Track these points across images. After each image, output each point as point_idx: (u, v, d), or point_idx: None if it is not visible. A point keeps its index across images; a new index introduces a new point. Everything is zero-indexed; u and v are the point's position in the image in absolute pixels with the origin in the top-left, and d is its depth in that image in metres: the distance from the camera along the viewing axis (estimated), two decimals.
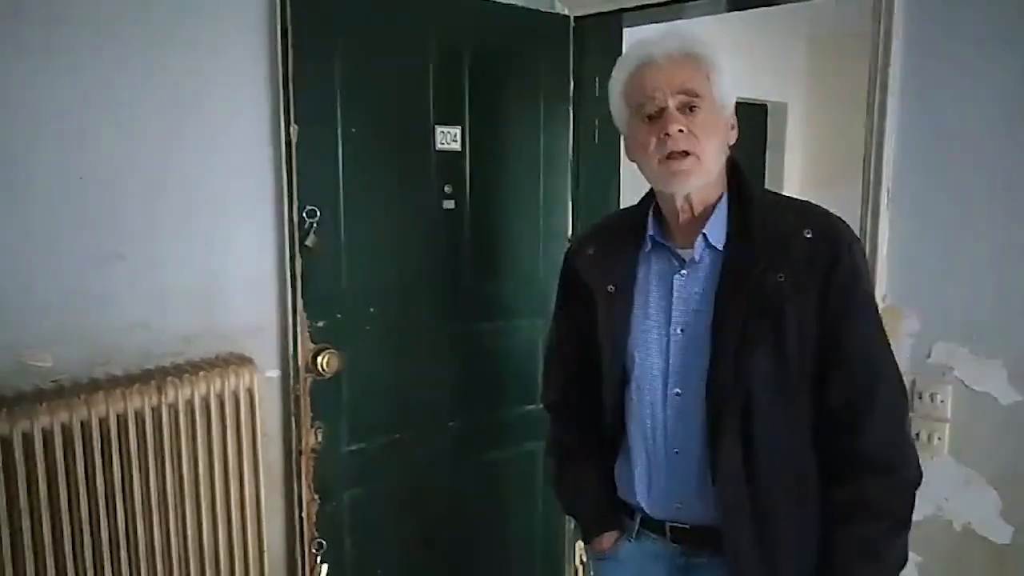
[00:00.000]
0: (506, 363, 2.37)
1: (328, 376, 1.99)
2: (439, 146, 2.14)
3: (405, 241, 2.12)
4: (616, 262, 1.39)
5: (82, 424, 1.58)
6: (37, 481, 1.54)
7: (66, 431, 1.56)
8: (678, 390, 1.31)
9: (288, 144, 1.89)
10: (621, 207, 2.45)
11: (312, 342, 1.97)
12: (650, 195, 1.40)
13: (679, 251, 1.33)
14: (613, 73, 1.35)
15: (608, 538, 1.46)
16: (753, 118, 4.53)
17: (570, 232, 2.43)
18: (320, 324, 1.98)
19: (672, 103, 1.25)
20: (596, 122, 2.43)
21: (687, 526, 1.34)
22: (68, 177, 1.65)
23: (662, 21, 2.39)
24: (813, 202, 1.35)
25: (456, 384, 2.27)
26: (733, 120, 1.34)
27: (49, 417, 1.54)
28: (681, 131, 1.25)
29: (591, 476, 1.47)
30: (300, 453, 1.98)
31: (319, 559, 2.03)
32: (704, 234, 1.30)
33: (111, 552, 1.65)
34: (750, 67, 4.01)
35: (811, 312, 1.23)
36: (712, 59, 1.29)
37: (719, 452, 1.26)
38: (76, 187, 1.66)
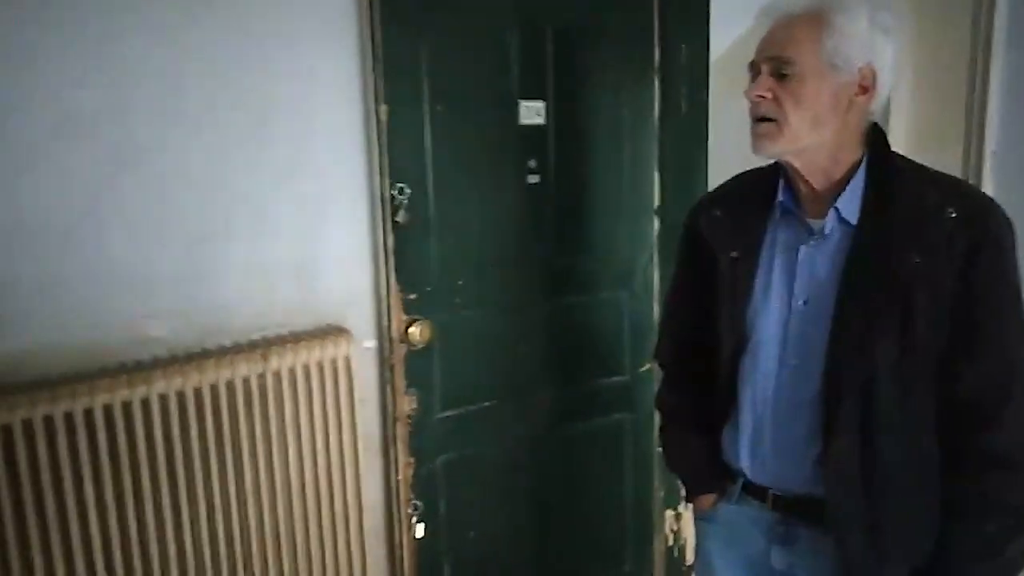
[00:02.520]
0: (592, 336, 2.39)
1: (420, 346, 2.07)
2: (523, 121, 2.16)
3: (491, 216, 2.16)
4: (743, 227, 1.36)
5: (195, 390, 1.71)
6: (156, 443, 1.68)
7: (180, 397, 1.70)
8: (795, 361, 1.29)
9: (378, 124, 1.95)
10: (708, 177, 2.43)
11: (405, 313, 2.05)
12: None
13: (809, 221, 1.29)
14: None
15: (707, 499, 1.47)
16: None
17: (656, 204, 2.41)
18: (412, 297, 2.06)
19: (765, 68, 1.23)
20: (683, 91, 2.39)
21: (789, 495, 1.33)
22: (176, 158, 1.75)
23: None
24: (965, 180, 1.28)
25: (543, 355, 2.31)
26: (867, 82, 1.22)
27: (165, 383, 1.67)
28: (763, 96, 1.22)
29: (697, 438, 1.47)
30: (395, 419, 2.08)
31: (415, 519, 2.13)
32: (836, 208, 1.25)
33: (223, 507, 1.78)
34: None
35: (946, 298, 1.17)
36: (831, 16, 1.19)
37: (834, 428, 1.23)
38: (183, 168, 1.76)
